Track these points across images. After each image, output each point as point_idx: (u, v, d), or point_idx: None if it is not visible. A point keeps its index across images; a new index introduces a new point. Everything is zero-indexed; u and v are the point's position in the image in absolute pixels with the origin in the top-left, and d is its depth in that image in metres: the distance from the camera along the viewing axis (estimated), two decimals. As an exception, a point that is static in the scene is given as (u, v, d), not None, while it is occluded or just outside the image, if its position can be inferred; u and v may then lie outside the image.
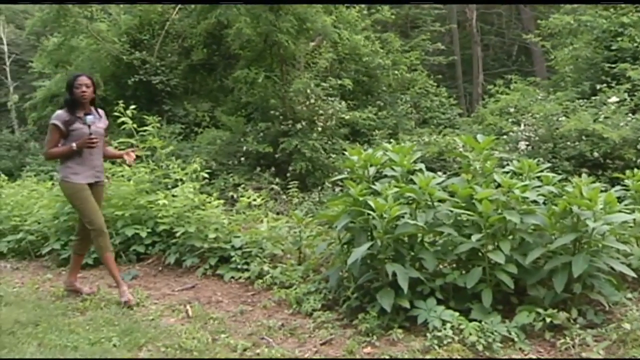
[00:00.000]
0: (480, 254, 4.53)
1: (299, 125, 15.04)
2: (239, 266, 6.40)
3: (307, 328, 4.71)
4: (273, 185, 12.70)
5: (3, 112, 39.34)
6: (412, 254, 4.75)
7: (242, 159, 15.49)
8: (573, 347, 3.89)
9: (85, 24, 18.17)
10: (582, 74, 17.35)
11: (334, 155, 15.08)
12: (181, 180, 7.73)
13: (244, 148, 15.25)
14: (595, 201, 4.19)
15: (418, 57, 22.76)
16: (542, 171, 5.02)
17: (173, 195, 7.37)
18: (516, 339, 4.00)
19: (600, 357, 3.79)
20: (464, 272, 4.64)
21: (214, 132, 17.59)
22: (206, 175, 8.13)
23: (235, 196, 9.52)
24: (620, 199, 4.61)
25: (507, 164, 5.32)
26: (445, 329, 4.09)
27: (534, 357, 3.90)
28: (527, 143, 12.49)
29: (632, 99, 12.97)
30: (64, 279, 6.29)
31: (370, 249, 4.51)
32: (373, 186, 4.85)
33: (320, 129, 15.27)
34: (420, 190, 4.69)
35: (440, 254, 4.75)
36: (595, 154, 11.42)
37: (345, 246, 5.07)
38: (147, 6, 19.45)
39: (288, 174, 14.26)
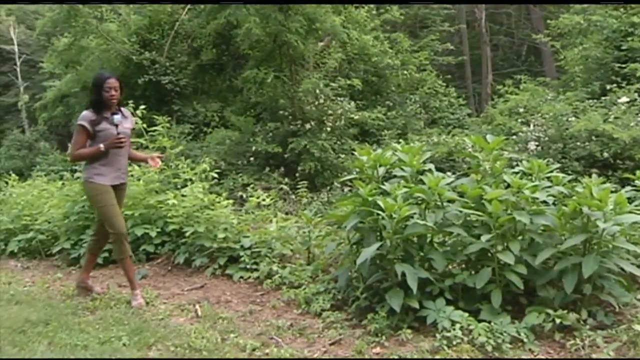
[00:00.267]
0: (489, 254, 4.52)
1: (308, 126, 15.05)
2: (248, 266, 6.41)
3: (316, 328, 4.71)
4: (282, 185, 12.71)
5: (14, 112, 39.53)
6: (422, 254, 4.75)
7: (251, 159, 15.52)
8: (583, 348, 3.87)
9: (95, 24, 18.25)
10: (592, 74, 17.30)
11: (342, 155, 15.09)
12: (190, 180, 7.75)
13: (253, 148, 15.27)
14: (605, 202, 4.17)
15: (427, 57, 22.72)
16: (551, 171, 5.00)
17: (182, 195, 7.39)
18: (525, 340, 3.99)
19: (610, 358, 3.77)
20: (473, 272, 4.63)
21: (223, 132, 17.62)
22: (215, 175, 8.15)
23: (244, 196, 9.54)
24: (630, 200, 4.59)
25: (517, 165, 5.31)
26: (454, 329, 4.08)
27: (543, 358, 3.89)
28: (536, 143, 12.46)
29: (642, 99, 12.91)
30: (76, 276, 6.28)
31: (380, 249, 4.51)
32: (382, 186, 4.85)
33: (329, 129, 15.28)
34: (430, 190, 4.68)
35: (449, 255, 4.74)
36: (605, 155, 11.38)
37: (355, 246, 5.06)
38: (156, 6, 19.50)
39: (297, 174, 14.27)
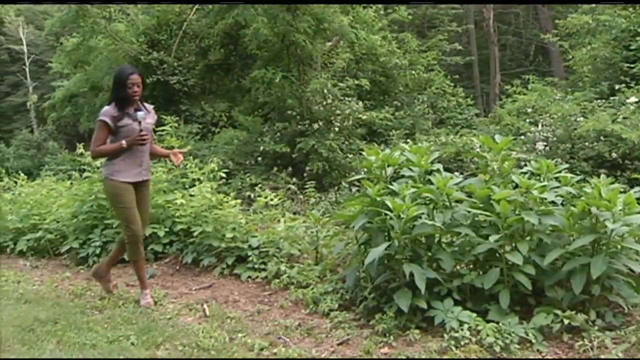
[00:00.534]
0: (497, 254, 4.51)
1: (316, 125, 15.05)
2: (256, 266, 6.41)
3: (324, 328, 4.72)
4: (290, 185, 12.70)
5: (22, 111, 39.72)
6: (430, 254, 4.74)
7: (259, 158, 15.52)
8: (591, 349, 3.86)
9: (104, 24, 18.31)
10: (600, 74, 17.24)
11: (350, 156, 15.07)
12: (199, 179, 7.77)
13: (261, 148, 15.27)
14: (614, 202, 4.16)
15: (435, 57, 22.69)
16: (560, 172, 4.99)
17: (190, 195, 7.41)
18: (534, 341, 3.98)
19: (619, 359, 3.76)
20: (481, 273, 4.63)
21: (231, 132, 17.63)
22: (223, 175, 8.16)
23: (252, 196, 9.54)
24: (639, 200, 4.58)
25: (525, 165, 5.30)
26: (462, 329, 4.07)
27: (551, 358, 3.89)
28: (544, 143, 12.42)
29: (651, 99, 12.85)
30: (97, 265, 6.12)
31: (388, 249, 4.51)
32: (390, 186, 4.85)
33: (337, 129, 15.27)
34: (438, 190, 4.68)
35: (457, 255, 4.74)
36: (614, 155, 11.33)
37: (363, 246, 5.06)
38: (164, 6, 19.55)
39: (305, 174, 14.27)
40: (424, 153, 5.19)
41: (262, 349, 4.29)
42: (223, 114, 19.40)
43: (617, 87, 14.06)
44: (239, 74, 19.66)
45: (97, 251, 7.51)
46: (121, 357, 4.22)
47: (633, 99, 12.72)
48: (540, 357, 3.89)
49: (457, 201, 4.80)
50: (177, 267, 7.06)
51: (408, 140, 14.49)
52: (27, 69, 39.74)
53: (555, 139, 12.48)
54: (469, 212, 4.67)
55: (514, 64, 33.38)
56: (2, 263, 8.27)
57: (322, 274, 5.90)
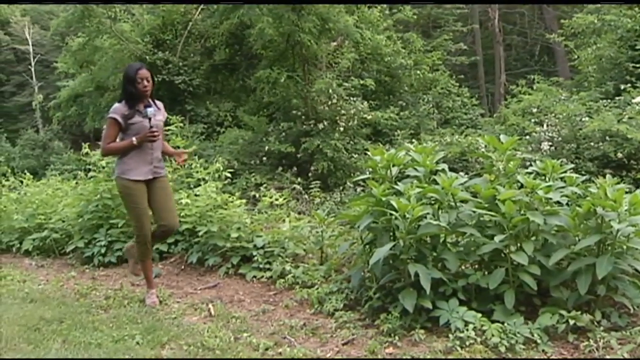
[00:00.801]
0: (503, 255, 4.50)
1: (321, 125, 15.07)
2: (261, 265, 6.41)
3: (329, 328, 4.71)
4: (295, 185, 12.73)
5: (28, 111, 39.88)
6: (435, 254, 4.73)
7: (264, 158, 15.55)
8: (597, 349, 3.85)
9: (109, 24, 18.37)
10: (605, 73, 17.22)
11: (355, 155, 15.10)
12: (204, 179, 7.78)
13: (266, 148, 15.31)
14: (619, 202, 4.15)
15: (440, 57, 22.72)
16: (565, 172, 4.97)
17: (196, 195, 7.42)
18: (539, 341, 3.97)
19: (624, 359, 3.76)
20: (486, 273, 4.62)
21: (236, 131, 17.68)
22: (228, 175, 8.17)
23: (257, 196, 9.55)
24: (645, 201, 4.56)
25: (530, 165, 5.28)
26: (467, 330, 4.07)
27: (556, 359, 3.88)
28: (550, 143, 12.41)
29: (657, 99, 12.83)
30: (130, 244, 5.96)
31: (393, 249, 4.50)
32: (395, 186, 4.84)
33: (342, 128, 15.29)
34: (443, 190, 4.67)
35: (462, 255, 4.73)
36: (619, 155, 11.31)
37: (368, 246, 5.06)
38: (169, 6, 19.60)
39: (310, 174, 14.30)
40: (429, 153, 5.19)
41: (267, 349, 4.29)
42: (228, 114, 19.46)
43: (622, 87, 14.05)
44: (244, 73, 19.70)
45: (103, 250, 7.53)
46: (126, 356, 4.23)
47: (638, 99, 12.69)
48: (545, 357, 3.88)
49: (462, 201, 4.80)
50: (182, 267, 7.07)
51: (413, 140, 14.54)
52: (32, 69, 39.90)
53: (560, 139, 12.46)
54: (474, 212, 4.66)
55: (519, 64, 33.39)
56: (8, 262, 8.29)
57: (327, 273, 5.89)
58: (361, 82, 17.49)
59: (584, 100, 14.34)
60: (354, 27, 16.29)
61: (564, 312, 4.12)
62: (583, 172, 9.30)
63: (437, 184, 4.78)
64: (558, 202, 4.60)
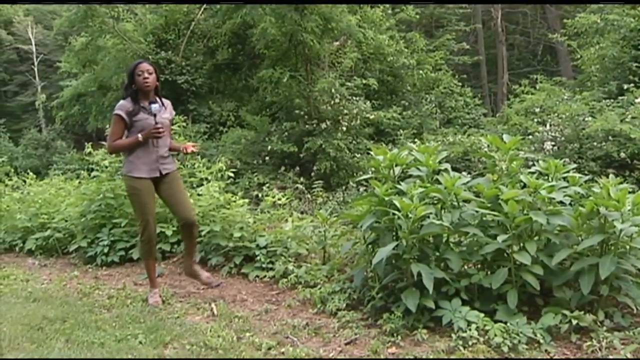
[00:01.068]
0: (505, 254, 4.50)
1: (323, 125, 15.06)
2: (263, 265, 6.41)
3: (332, 327, 4.71)
4: (297, 185, 12.73)
5: (31, 111, 39.94)
6: (438, 254, 4.73)
7: (267, 158, 15.55)
8: (600, 349, 3.85)
9: (112, 24, 18.38)
10: (608, 73, 17.19)
11: (358, 155, 15.09)
12: (206, 179, 7.79)
13: (269, 147, 15.30)
14: (623, 202, 4.14)
15: (443, 57, 22.71)
16: (568, 172, 4.97)
17: (198, 194, 7.42)
18: (542, 341, 3.97)
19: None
20: (489, 272, 4.62)
21: (238, 131, 17.68)
22: (231, 175, 8.17)
23: (260, 195, 9.57)
24: (648, 200, 4.55)
25: (533, 164, 5.28)
26: (470, 329, 4.06)
27: (559, 359, 3.88)
28: (552, 143, 12.40)
29: (660, 99, 12.81)
30: (184, 266, 5.98)
31: (395, 249, 4.51)
32: (398, 186, 4.84)
33: (344, 128, 15.29)
34: (446, 190, 4.67)
35: (465, 255, 4.72)
36: (622, 155, 11.29)
37: (370, 246, 5.06)
38: (172, 6, 19.61)
39: (312, 174, 14.29)
40: (432, 153, 5.18)
41: (269, 348, 4.29)
42: (231, 114, 19.46)
43: (625, 86, 14.02)
44: (247, 73, 19.70)
45: (105, 250, 7.54)
46: (129, 355, 4.23)
47: (642, 99, 12.69)
48: (548, 357, 3.88)
49: (465, 201, 4.79)
50: (185, 266, 7.07)
51: (416, 139, 14.53)
52: (35, 69, 39.95)
53: (563, 138, 12.45)
54: (476, 211, 4.66)
55: (521, 64, 33.36)
56: (11, 261, 8.31)
57: (329, 273, 5.90)
58: (364, 81, 17.48)
59: (587, 100, 14.32)
60: (356, 27, 16.27)
61: (566, 312, 4.11)
62: (586, 172, 9.30)
63: (439, 183, 4.77)
64: (561, 202, 4.59)
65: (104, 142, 8.49)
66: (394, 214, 4.49)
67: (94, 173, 8.52)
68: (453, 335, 4.09)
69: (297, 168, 14.87)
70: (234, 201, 7.34)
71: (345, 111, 15.47)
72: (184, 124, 9.46)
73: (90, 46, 20.18)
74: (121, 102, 5.38)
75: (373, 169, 5.36)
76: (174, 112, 5.79)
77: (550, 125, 12.94)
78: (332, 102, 15.37)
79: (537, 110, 15.08)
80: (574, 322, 4.03)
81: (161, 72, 18.13)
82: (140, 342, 4.48)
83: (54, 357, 4.24)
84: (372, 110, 16.45)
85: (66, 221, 8.49)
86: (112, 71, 19.63)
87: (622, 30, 16.86)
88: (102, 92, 21.35)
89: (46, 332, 4.82)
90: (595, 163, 11.45)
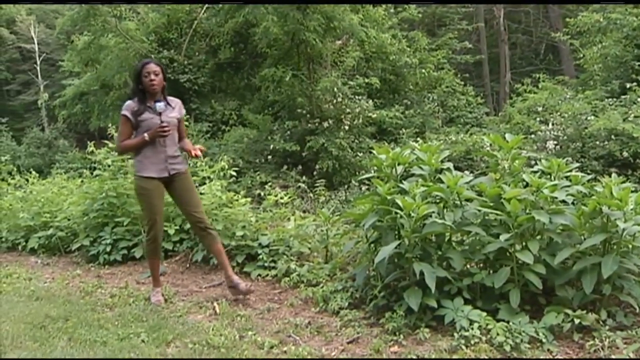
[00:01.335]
0: (508, 253, 4.49)
1: (325, 124, 15.08)
2: (266, 264, 6.41)
3: (334, 326, 4.71)
4: (300, 184, 12.72)
5: (33, 110, 39.97)
6: (440, 253, 4.73)
7: (269, 157, 15.57)
8: (602, 349, 3.84)
9: (114, 23, 18.40)
10: (611, 72, 17.19)
11: (360, 154, 15.10)
12: (209, 178, 7.78)
13: (271, 146, 15.32)
14: (625, 201, 4.14)
15: (445, 56, 22.71)
16: (570, 171, 4.96)
17: (201, 193, 7.41)
18: (544, 340, 3.97)
19: (630, 359, 3.75)
20: (491, 271, 4.61)
21: (241, 130, 17.70)
22: (233, 173, 8.17)
23: (262, 194, 9.56)
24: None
25: (536, 164, 5.27)
26: (472, 328, 4.06)
27: (562, 358, 3.87)
28: (555, 142, 12.41)
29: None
30: (226, 281, 5.77)
31: (398, 247, 4.50)
32: (401, 185, 4.84)
33: (347, 127, 15.31)
34: (448, 189, 4.66)
35: (467, 254, 4.72)
36: (625, 154, 11.30)
37: (373, 245, 5.05)
38: (174, 5, 19.63)
39: (315, 173, 14.31)
40: (434, 152, 5.17)
41: (271, 347, 4.29)
42: (233, 113, 19.47)
43: (628, 85, 14.02)
44: (249, 72, 19.71)
45: (108, 249, 7.54)
46: (132, 354, 4.23)
47: (644, 98, 12.68)
48: (550, 356, 3.88)
49: (467, 200, 4.79)
50: (188, 265, 7.08)
51: (418, 138, 14.53)
52: (38, 68, 39.97)
53: (565, 137, 12.46)
54: (479, 210, 4.66)
55: (524, 63, 33.34)
56: (14, 260, 8.33)
57: (331, 272, 5.89)
58: (366, 80, 17.49)
59: (590, 99, 14.32)
60: (358, 26, 16.28)
61: (569, 311, 4.11)
62: (588, 171, 9.31)
63: (442, 182, 4.77)
64: (563, 201, 4.59)
65: (106, 141, 8.51)
66: (396, 212, 4.48)
67: (96, 172, 8.52)
68: (455, 334, 4.09)
69: (300, 167, 14.89)
70: (237, 200, 7.34)
71: (348, 110, 15.48)
72: (187, 123, 9.46)
73: (92, 45, 20.20)
74: (127, 102, 5.38)
75: (375, 167, 5.35)
76: (183, 111, 5.69)
77: (553, 125, 12.95)
78: (335, 101, 15.38)
79: (540, 109, 15.09)
80: (577, 321, 4.03)
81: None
82: (143, 341, 4.48)
83: (57, 356, 4.24)
84: (374, 109, 16.47)
85: (69, 220, 8.49)
86: (114, 70, 19.65)
87: (624, 29, 16.84)
88: (105, 91, 21.37)
89: (49, 330, 4.83)
90: (598, 162, 11.46)
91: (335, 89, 15.25)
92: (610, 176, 4.73)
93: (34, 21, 40.02)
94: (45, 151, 32.45)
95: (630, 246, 4.29)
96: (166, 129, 5.26)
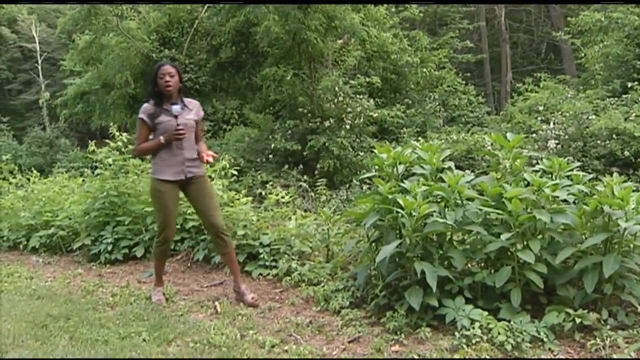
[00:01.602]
0: (509, 253, 4.49)
1: (327, 123, 15.07)
2: (267, 263, 6.41)
3: (335, 325, 4.71)
4: (301, 183, 12.72)
5: (35, 109, 40.00)
6: (441, 252, 4.73)
7: (270, 156, 15.56)
8: (603, 348, 3.84)
9: (116, 22, 18.38)
10: (612, 71, 17.18)
11: (361, 153, 15.10)
12: (210, 177, 7.78)
13: (272, 145, 15.32)
14: (626, 201, 4.13)
15: (446, 55, 22.69)
16: (572, 170, 4.96)
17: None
18: (545, 339, 3.97)
19: (631, 358, 3.74)
20: (492, 271, 4.61)
21: (242, 129, 17.70)
22: (235, 173, 8.17)
23: (263, 193, 9.56)
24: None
25: (537, 163, 5.26)
26: (473, 328, 4.06)
27: (563, 357, 3.87)
28: (556, 141, 12.40)
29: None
30: (234, 289, 5.72)
31: (399, 247, 4.50)
32: (402, 184, 4.83)
33: (348, 126, 15.30)
34: (450, 188, 4.66)
35: (469, 253, 4.72)
36: (626, 153, 11.29)
37: (374, 244, 5.05)
38: (176, 4, 19.62)
39: (316, 172, 14.30)
40: (435, 151, 5.17)
41: (273, 346, 4.29)
42: (234, 112, 19.46)
43: (629, 84, 14.01)
44: (250, 71, 19.69)
45: (109, 248, 7.54)
46: (133, 353, 4.24)
47: (646, 97, 12.68)
48: (551, 356, 3.88)
49: (468, 199, 4.79)
50: (189, 264, 7.08)
51: (419, 138, 14.54)
52: (39, 67, 39.99)
53: (567, 137, 12.45)
54: (480, 210, 4.65)
55: (525, 62, 33.31)
56: (15, 259, 8.33)
57: (333, 271, 5.90)
58: (367, 80, 17.49)
59: (591, 98, 14.31)
60: (360, 25, 16.28)
61: (570, 311, 4.11)
62: (590, 171, 9.30)
63: (443, 181, 4.77)
64: (565, 201, 4.59)
65: (107, 140, 8.51)
66: (397, 212, 4.48)
67: (97, 171, 8.52)
68: (456, 333, 4.09)
69: (301, 166, 14.88)
70: (238, 199, 7.34)
71: (349, 109, 15.48)
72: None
73: (94, 44, 20.17)
74: (144, 105, 5.35)
75: (376, 167, 5.35)
76: (202, 113, 5.64)
77: (554, 124, 12.94)
78: (336, 100, 15.38)
79: (541, 108, 15.08)
80: (578, 320, 4.03)
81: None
82: (144, 340, 4.49)
83: (58, 355, 4.25)
84: (375, 108, 16.47)
85: (70, 219, 8.49)
86: (115, 69, 19.62)
87: (626, 28, 16.83)
88: (106, 90, 21.33)
89: (50, 329, 4.83)
90: (599, 161, 11.46)
91: (337, 88, 15.25)
92: (611, 175, 4.73)
93: (36, 20, 40.04)
94: (47, 150, 32.50)
95: (631, 245, 4.29)
96: (182, 131, 5.19)
